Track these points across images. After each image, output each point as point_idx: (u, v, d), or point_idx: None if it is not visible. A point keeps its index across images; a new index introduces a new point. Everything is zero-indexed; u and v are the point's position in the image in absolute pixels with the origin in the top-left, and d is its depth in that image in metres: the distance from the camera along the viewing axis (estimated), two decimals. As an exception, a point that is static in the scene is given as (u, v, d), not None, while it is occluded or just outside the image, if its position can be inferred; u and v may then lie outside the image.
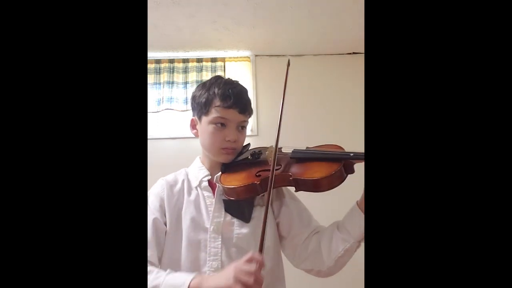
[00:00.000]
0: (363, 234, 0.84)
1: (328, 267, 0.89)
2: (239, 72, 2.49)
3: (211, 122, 0.96)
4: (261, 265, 0.73)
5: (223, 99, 0.94)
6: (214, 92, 0.96)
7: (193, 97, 1.01)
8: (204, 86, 1.00)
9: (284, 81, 0.95)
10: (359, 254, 0.89)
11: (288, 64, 0.95)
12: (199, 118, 1.00)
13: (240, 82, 1.03)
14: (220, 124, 0.95)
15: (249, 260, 0.74)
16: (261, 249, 0.75)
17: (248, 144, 1.05)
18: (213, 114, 0.95)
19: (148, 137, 2.28)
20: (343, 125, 2.41)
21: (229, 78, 1.03)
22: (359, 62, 2.49)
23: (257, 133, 2.40)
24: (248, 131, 2.66)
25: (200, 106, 0.97)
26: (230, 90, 0.95)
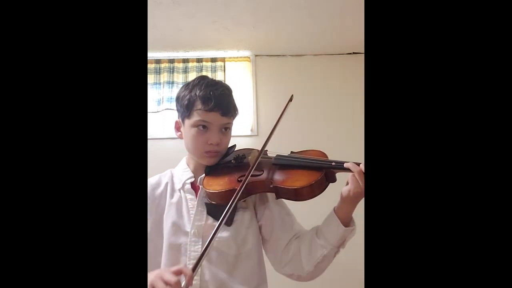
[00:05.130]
0: (341, 241, 0.85)
1: (308, 272, 0.90)
2: (239, 72, 2.49)
3: (193, 125, 0.94)
4: (188, 280, 0.69)
5: (204, 101, 0.92)
6: (195, 94, 0.94)
7: (177, 99, 1.00)
8: (187, 87, 0.98)
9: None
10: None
11: (291, 99, 0.95)
12: (183, 120, 0.98)
13: (224, 83, 1.02)
14: (202, 127, 0.94)
15: (177, 272, 0.72)
16: (194, 268, 0.72)
17: (234, 145, 1.03)
18: (195, 117, 0.93)
19: (148, 137, 2.29)
20: (343, 125, 2.41)
21: (212, 79, 1.00)
22: (359, 62, 2.49)
23: (257, 133, 2.40)
24: (248, 131, 2.64)
25: (183, 109, 0.96)
26: (211, 93, 0.93)
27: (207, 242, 0.75)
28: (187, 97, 0.95)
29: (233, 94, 1.00)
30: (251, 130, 2.41)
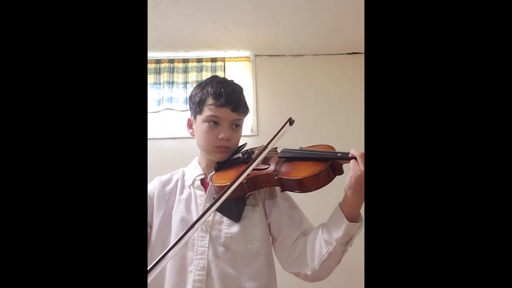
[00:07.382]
0: (347, 237, 0.82)
1: (313, 270, 0.87)
2: (239, 72, 2.49)
3: (204, 121, 0.97)
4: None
5: (215, 97, 0.96)
6: (207, 91, 0.97)
7: (190, 97, 1.03)
8: (199, 86, 1.02)
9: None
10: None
11: (291, 123, 0.97)
12: (194, 117, 1.01)
13: (236, 82, 1.04)
14: (213, 122, 0.96)
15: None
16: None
17: (245, 144, 1.05)
18: (206, 112, 0.96)
19: (148, 137, 2.29)
20: (343, 125, 2.41)
21: (224, 78, 1.04)
22: (359, 62, 2.50)
23: (257, 133, 2.40)
24: (248, 131, 2.64)
25: (195, 106, 0.99)
26: (222, 89, 0.96)
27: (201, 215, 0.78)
28: (199, 94, 0.99)
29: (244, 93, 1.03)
30: (251, 130, 2.41)
